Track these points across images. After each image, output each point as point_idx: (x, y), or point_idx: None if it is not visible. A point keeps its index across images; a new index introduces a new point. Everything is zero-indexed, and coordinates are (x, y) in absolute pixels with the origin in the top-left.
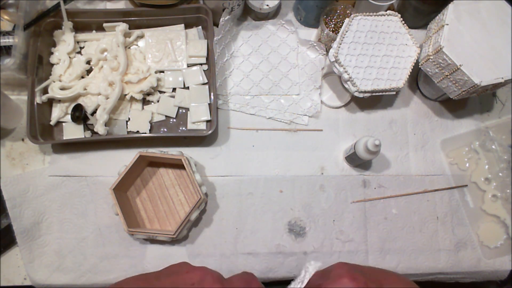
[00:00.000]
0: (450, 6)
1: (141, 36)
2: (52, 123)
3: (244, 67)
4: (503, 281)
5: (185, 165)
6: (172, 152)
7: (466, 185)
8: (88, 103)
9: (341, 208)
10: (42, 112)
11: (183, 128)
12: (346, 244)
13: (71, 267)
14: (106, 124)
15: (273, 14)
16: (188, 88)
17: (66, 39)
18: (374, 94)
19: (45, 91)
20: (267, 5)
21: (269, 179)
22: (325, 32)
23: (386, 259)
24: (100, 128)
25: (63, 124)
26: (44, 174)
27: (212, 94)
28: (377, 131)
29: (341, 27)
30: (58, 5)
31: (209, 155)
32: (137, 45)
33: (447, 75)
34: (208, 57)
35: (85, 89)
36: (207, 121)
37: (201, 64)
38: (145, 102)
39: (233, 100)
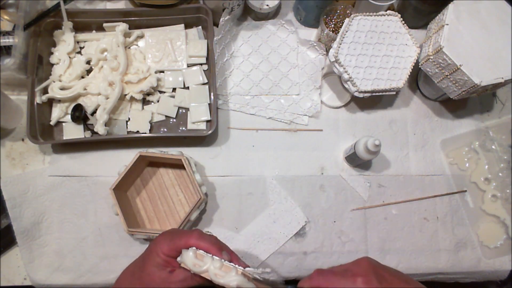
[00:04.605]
0: (450, 6)
1: (141, 36)
2: (52, 123)
3: (244, 67)
4: (503, 281)
5: (185, 165)
6: (172, 152)
7: (465, 190)
8: (88, 103)
9: (341, 208)
10: (42, 112)
11: (183, 128)
12: (346, 244)
13: (71, 267)
14: (106, 124)
15: (273, 14)
16: (188, 88)
17: (66, 39)
18: (374, 94)
19: (45, 91)
20: (267, 5)
21: (269, 179)
22: (325, 32)
23: (386, 259)
24: (100, 128)
25: (63, 124)
26: (44, 174)
27: (212, 94)
28: (377, 131)
29: (341, 27)
30: (58, 5)
31: (209, 155)
32: (137, 45)
33: (447, 75)
34: (208, 57)
35: (85, 89)
36: (207, 121)
37: (201, 64)
38: (145, 102)
39: (233, 100)
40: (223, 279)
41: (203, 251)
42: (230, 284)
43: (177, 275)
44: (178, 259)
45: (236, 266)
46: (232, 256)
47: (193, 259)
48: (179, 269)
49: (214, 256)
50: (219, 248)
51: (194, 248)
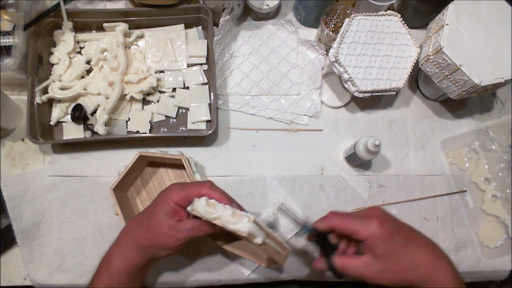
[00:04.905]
0: (450, 6)
1: (141, 36)
2: (52, 123)
3: (244, 67)
4: (503, 281)
5: (185, 165)
6: (172, 152)
7: (465, 190)
8: (88, 103)
9: (341, 208)
10: (42, 112)
11: (183, 128)
12: None
13: (71, 267)
14: (106, 124)
15: (273, 14)
16: (188, 88)
17: (66, 39)
18: (374, 94)
19: (45, 91)
20: (267, 5)
21: (269, 179)
22: (325, 32)
23: None
24: (100, 128)
25: (63, 124)
26: (44, 174)
27: (212, 94)
28: (377, 131)
29: (341, 27)
30: (58, 5)
31: (209, 155)
32: (137, 45)
33: (447, 75)
34: (208, 57)
35: (85, 89)
36: (207, 121)
37: (201, 64)
38: (145, 102)
39: (233, 100)
40: (235, 226)
41: (214, 200)
42: (242, 230)
43: (185, 224)
44: (189, 208)
45: (248, 214)
46: (241, 209)
47: (205, 207)
48: (188, 219)
49: (225, 205)
50: (230, 198)
51: (206, 197)
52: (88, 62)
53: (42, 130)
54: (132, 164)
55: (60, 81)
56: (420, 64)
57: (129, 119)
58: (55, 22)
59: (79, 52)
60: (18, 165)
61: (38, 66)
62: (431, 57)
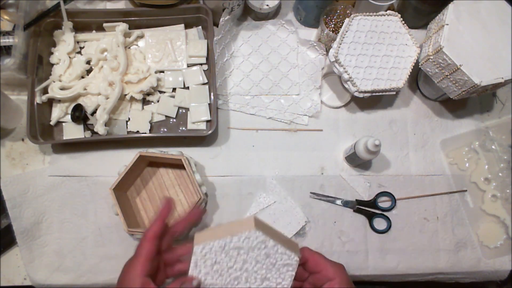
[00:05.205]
0: (450, 6)
1: (141, 36)
2: (52, 123)
3: (244, 67)
4: (503, 281)
5: (185, 165)
6: (172, 152)
7: (465, 190)
8: (88, 103)
9: (341, 208)
10: (42, 112)
11: (183, 128)
12: (346, 244)
13: (71, 267)
14: (106, 124)
15: (273, 14)
16: (188, 88)
17: (66, 39)
18: (374, 94)
19: (45, 91)
20: (267, 5)
21: (269, 179)
22: (325, 32)
23: (386, 259)
24: (100, 128)
25: (63, 124)
26: (44, 174)
27: (212, 94)
28: (377, 131)
29: (341, 27)
30: (58, 5)
31: (209, 155)
32: (137, 45)
33: (447, 75)
34: (208, 57)
35: (85, 89)
36: (207, 121)
37: (201, 64)
38: (145, 102)
39: (233, 100)
40: None
41: None
42: None
43: None
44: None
45: None
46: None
47: None
48: None
49: None
50: None
51: None
52: (88, 62)
53: (42, 130)
54: (132, 164)
55: (60, 81)
56: (420, 64)
57: (129, 119)
58: (55, 22)
59: (79, 52)
60: (18, 165)
61: (38, 66)
62: (431, 57)
